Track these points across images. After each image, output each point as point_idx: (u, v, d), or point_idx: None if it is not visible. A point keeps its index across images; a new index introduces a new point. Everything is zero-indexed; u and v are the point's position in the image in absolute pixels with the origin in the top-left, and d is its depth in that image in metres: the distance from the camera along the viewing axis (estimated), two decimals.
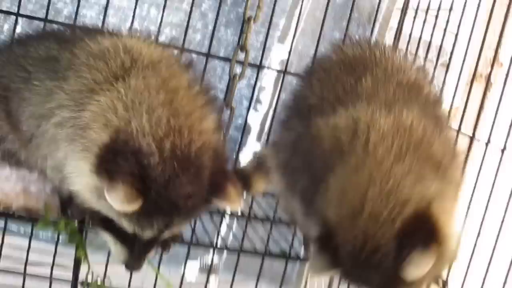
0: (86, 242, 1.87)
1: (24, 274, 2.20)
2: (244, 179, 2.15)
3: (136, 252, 1.60)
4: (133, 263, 1.63)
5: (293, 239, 2.24)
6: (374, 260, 1.53)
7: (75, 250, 1.88)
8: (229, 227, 2.70)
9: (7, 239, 2.21)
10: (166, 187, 1.46)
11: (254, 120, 2.44)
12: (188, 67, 1.74)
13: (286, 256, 2.15)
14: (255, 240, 2.09)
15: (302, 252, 2.17)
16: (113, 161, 1.45)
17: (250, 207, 2.34)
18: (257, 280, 2.49)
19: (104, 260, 2.13)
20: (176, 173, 1.47)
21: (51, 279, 2.23)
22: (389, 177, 1.55)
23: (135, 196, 1.43)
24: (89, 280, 2.03)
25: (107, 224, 1.58)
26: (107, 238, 1.63)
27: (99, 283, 1.99)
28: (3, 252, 2.17)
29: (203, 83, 1.75)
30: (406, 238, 1.51)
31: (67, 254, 2.03)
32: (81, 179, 1.54)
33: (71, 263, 2.09)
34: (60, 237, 2.04)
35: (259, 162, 2.18)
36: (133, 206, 1.43)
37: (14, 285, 2.22)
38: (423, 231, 1.52)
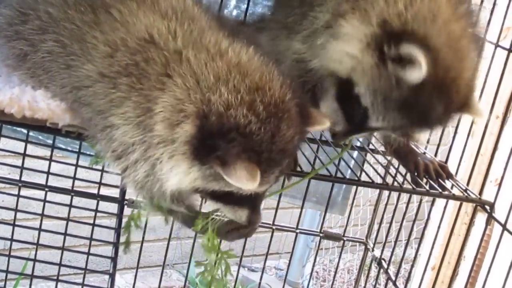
0: None
1: (72, 191, 2.24)
2: None
3: (256, 207, 1.67)
4: (255, 218, 1.68)
5: (339, 161, 2.21)
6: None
7: None
8: None
9: (55, 156, 2.24)
10: (273, 142, 1.51)
11: None
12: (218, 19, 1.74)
13: (332, 178, 2.12)
14: (301, 161, 2.05)
15: (348, 174, 2.14)
16: (217, 144, 1.46)
17: None
18: (303, 202, 2.49)
19: None
20: (277, 125, 1.51)
21: (98, 196, 2.26)
22: None
23: (255, 169, 1.45)
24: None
25: (220, 197, 1.62)
26: (223, 209, 1.69)
27: None
28: (51, 169, 2.21)
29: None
30: None
31: (114, 172, 2.05)
32: (182, 177, 1.54)
33: (118, 182, 2.12)
34: None
35: None
36: (258, 180, 1.45)
37: (62, 202, 2.25)
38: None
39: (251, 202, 1.64)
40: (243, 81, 1.52)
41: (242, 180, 1.45)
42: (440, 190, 2.09)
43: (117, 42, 1.60)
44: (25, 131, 2.09)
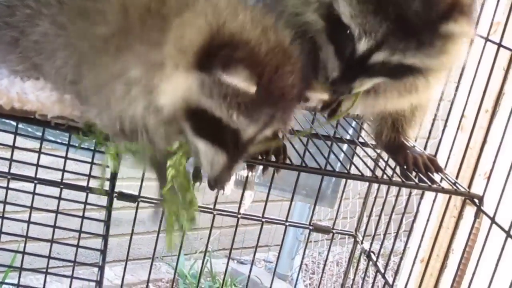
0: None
1: (61, 184, 2.23)
2: None
3: (234, 161, 1.62)
4: (223, 175, 1.63)
5: (329, 154, 2.21)
6: None
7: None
8: None
9: (44, 149, 2.23)
10: (276, 73, 1.54)
11: None
12: None
13: (322, 171, 2.12)
14: (291, 154, 2.06)
15: (337, 167, 2.14)
16: (223, 52, 1.49)
17: None
18: (293, 195, 2.49)
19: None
20: (283, 62, 1.56)
21: (87, 189, 2.25)
22: None
23: (254, 75, 1.48)
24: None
25: (203, 130, 1.59)
26: (202, 146, 1.61)
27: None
28: (40, 161, 2.20)
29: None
30: None
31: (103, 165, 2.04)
32: (178, 85, 1.53)
33: (107, 174, 2.11)
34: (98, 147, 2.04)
35: None
36: (254, 85, 1.48)
37: (51, 194, 2.24)
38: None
39: (233, 149, 1.60)
40: (258, 19, 1.59)
41: (241, 77, 1.47)
42: (429, 183, 2.10)
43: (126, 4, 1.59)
44: (14, 123, 2.08)
